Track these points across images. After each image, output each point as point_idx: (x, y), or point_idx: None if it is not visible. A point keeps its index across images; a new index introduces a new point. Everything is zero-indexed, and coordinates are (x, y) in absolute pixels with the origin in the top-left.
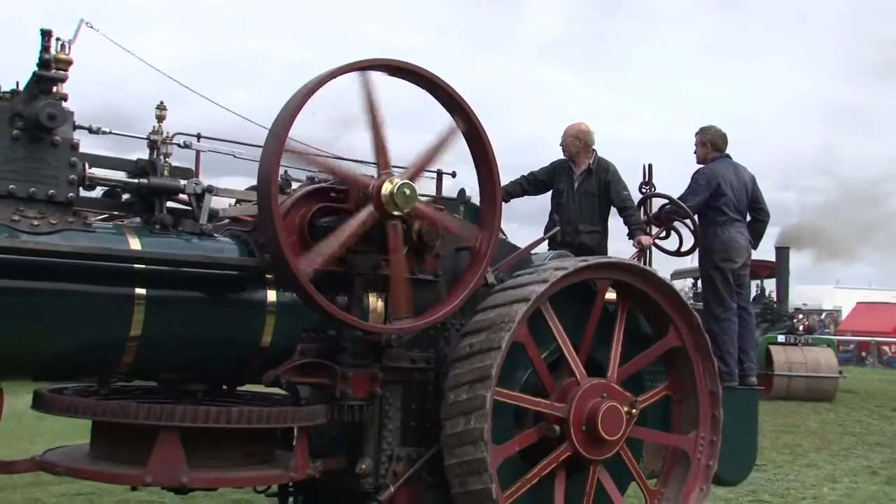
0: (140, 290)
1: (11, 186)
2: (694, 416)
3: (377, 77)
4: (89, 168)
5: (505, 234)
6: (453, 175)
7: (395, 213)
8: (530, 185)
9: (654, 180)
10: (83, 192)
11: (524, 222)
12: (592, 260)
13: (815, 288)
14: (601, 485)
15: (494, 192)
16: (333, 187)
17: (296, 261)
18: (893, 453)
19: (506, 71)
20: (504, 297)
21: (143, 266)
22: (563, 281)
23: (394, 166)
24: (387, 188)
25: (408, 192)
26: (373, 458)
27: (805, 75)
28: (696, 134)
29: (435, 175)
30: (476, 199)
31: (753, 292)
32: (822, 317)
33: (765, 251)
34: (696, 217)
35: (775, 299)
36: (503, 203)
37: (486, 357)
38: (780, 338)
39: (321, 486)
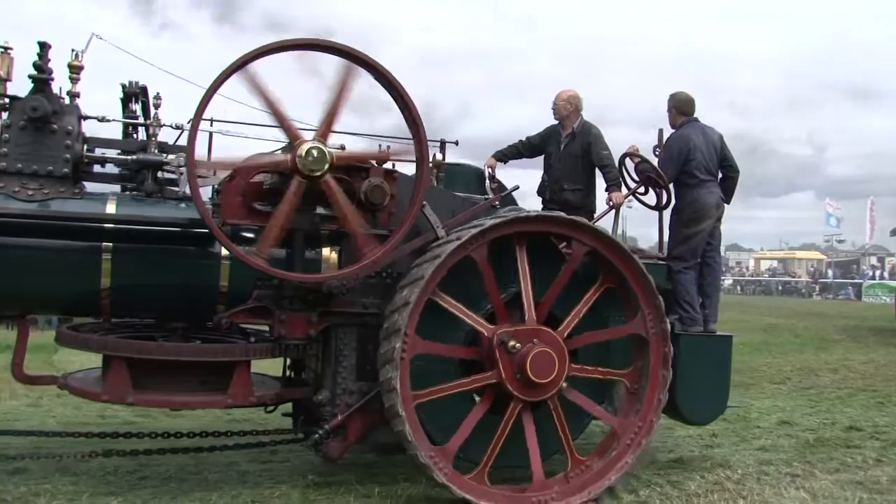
0: (107, 245)
1: (18, 165)
2: (640, 402)
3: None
4: (96, 149)
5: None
6: (456, 143)
7: (318, 172)
8: (525, 148)
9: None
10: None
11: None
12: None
13: None
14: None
15: (423, 165)
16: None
17: (209, 216)
18: None
19: None
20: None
21: (112, 226)
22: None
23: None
24: (299, 158)
25: (315, 153)
26: (330, 391)
27: None
28: (668, 100)
29: (438, 143)
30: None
31: None
32: None
33: None
34: (670, 185)
35: None
36: (502, 164)
37: (424, 266)
38: None
39: (313, 411)
